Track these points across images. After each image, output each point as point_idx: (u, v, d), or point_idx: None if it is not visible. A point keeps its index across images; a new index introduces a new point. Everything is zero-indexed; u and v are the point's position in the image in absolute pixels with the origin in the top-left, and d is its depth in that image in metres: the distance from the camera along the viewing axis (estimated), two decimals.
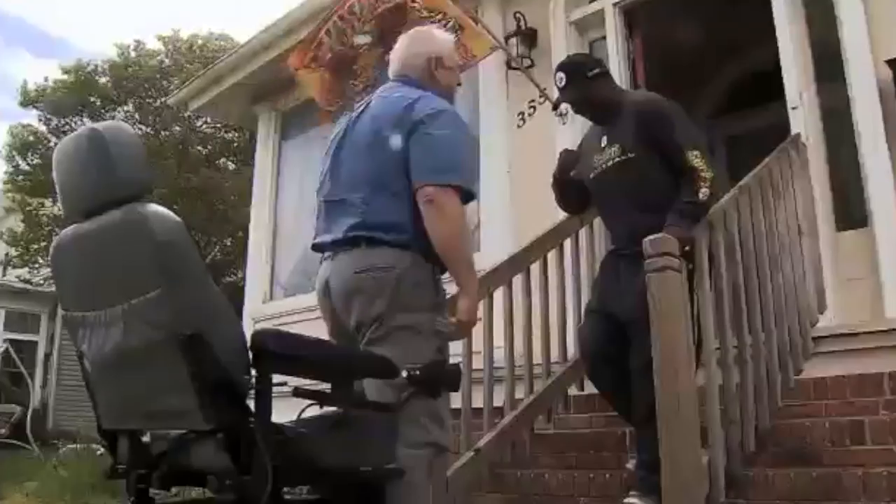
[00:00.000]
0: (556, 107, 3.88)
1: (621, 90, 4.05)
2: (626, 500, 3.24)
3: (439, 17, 5.06)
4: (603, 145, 3.64)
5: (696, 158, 3.37)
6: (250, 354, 1.86)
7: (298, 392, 1.90)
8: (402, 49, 3.00)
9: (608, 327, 3.52)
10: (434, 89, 2.85)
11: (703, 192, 3.33)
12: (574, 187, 3.86)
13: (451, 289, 2.77)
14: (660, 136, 3.47)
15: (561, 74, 3.72)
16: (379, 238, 2.62)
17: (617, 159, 3.56)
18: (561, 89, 3.73)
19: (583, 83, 3.67)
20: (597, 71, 3.72)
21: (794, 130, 4.48)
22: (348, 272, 2.64)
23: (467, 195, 2.70)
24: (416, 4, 5.12)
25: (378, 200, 2.66)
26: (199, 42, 17.23)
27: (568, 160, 3.86)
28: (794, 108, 4.58)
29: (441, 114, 2.71)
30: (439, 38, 3.07)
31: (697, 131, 3.59)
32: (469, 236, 2.87)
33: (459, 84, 3.13)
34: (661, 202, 3.38)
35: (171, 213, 1.91)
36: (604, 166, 3.63)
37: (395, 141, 2.66)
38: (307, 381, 1.99)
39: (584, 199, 3.93)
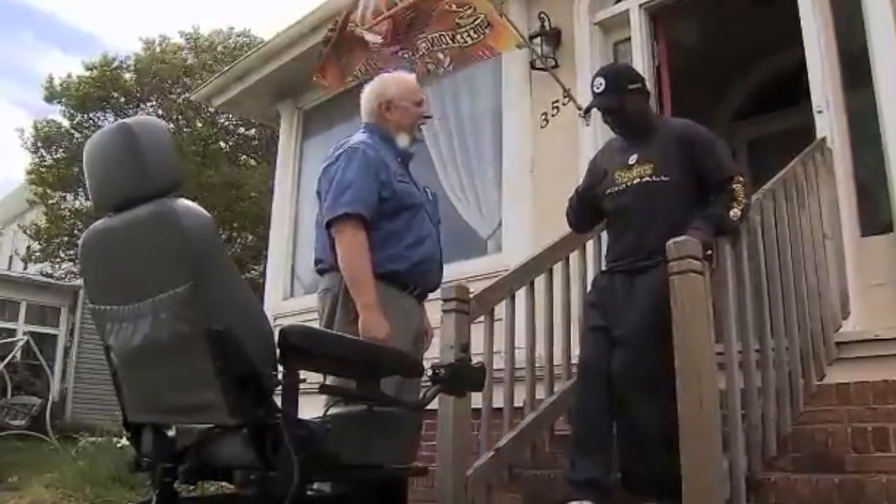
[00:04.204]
0: (586, 112, 3.86)
1: (656, 114, 4.06)
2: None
3: (469, 11, 5.06)
4: (631, 163, 3.61)
5: (738, 185, 3.41)
6: (277, 350, 1.87)
7: (325, 388, 1.91)
8: (362, 98, 3.49)
9: (609, 345, 3.49)
10: (386, 127, 3.38)
11: (734, 213, 3.36)
12: (592, 204, 3.83)
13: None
14: (706, 162, 3.51)
15: (601, 80, 3.68)
16: (320, 268, 3.31)
17: (647, 179, 3.54)
18: (597, 94, 3.68)
19: (622, 92, 3.64)
20: (638, 85, 3.71)
21: (819, 134, 4.45)
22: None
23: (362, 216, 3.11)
24: None
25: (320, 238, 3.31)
26: (221, 39, 17.32)
27: (597, 176, 3.77)
28: (819, 112, 4.53)
29: (339, 158, 3.21)
30: (390, 83, 3.47)
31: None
32: (362, 256, 3.06)
33: (427, 117, 3.57)
34: (683, 228, 3.38)
35: (200, 208, 1.92)
36: (629, 184, 3.60)
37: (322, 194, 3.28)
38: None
39: (597, 218, 3.93)
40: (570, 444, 3.61)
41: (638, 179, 3.57)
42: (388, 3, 5.31)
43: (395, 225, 3.18)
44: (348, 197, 3.11)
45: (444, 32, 5.09)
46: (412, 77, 3.63)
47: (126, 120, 2.06)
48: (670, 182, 3.51)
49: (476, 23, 5.01)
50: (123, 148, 1.99)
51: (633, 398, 3.29)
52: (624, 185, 3.62)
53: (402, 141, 3.39)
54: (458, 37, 5.07)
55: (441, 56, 5.15)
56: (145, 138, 1.98)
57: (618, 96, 3.64)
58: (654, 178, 3.53)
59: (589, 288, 4.06)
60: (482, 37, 5.03)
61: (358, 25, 5.35)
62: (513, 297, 4.08)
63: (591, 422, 3.48)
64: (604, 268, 3.85)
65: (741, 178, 3.47)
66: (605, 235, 4.46)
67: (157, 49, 16.89)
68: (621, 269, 3.60)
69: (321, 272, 3.31)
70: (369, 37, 5.30)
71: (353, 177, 3.14)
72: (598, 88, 3.68)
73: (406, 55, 5.19)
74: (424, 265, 3.25)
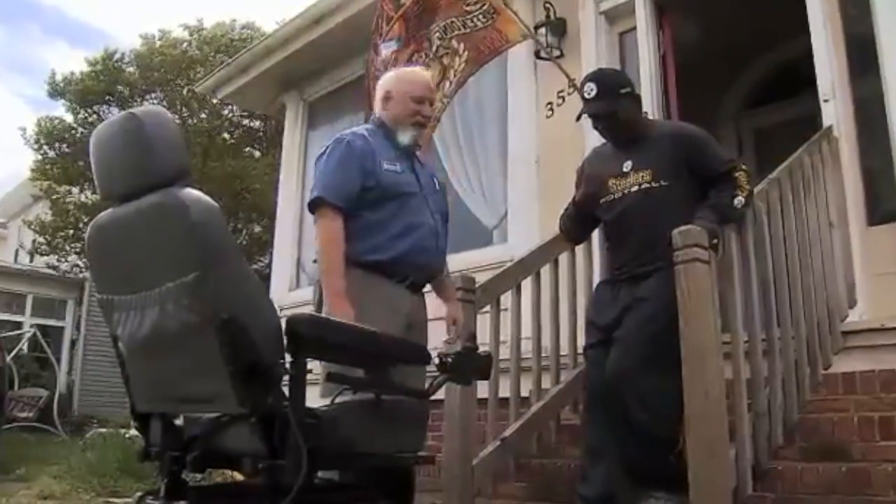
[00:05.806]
0: (577, 119, 3.77)
1: (647, 118, 4.01)
2: (653, 493, 3.22)
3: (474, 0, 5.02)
4: (626, 170, 3.54)
5: (741, 173, 3.40)
6: (284, 339, 1.87)
7: (332, 377, 1.91)
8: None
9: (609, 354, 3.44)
10: (387, 119, 3.35)
11: (739, 200, 3.34)
12: (588, 214, 3.77)
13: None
14: (703, 157, 3.47)
15: (592, 85, 3.59)
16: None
17: (645, 185, 3.47)
18: (588, 100, 3.59)
19: (614, 98, 3.55)
20: (629, 90, 3.62)
21: (825, 123, 4.43)
22: None
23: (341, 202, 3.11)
24: None
25: None
26: (224, 31, 17.28)
27: (591, 184, 3.68)
28: (825, 101, 4.51)
29: (327, 148, 3.26)
30: (393, 76, 3.50)
31: None
32: (333, 244, 3.05)
33: (426, 116, 3.39)
34: None
35: (207, 198, 1.91)
36: (626, 191, 3.53)
37: None
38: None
39: (593, 226, 3.90)
40: (582, 454, 3.59)
41: (636, 186, 3.50)
42: (395, 6, 5.23)
43: (379, 214, 3.13)
44: (325, 185, 3.13)
45: (454, 18, 5.03)
46: (420, 73, 3.56)
47: (133, 109, 2.07)
48: (670, 186, 3.44)
49: (484, 8, 4.97)
50: (130, 137, 1.99)
51: (630, 396, 3.24)
52: (621, 193, 3.55)
53: (403, 135, 3.30)
54: (469, 21, 5.00)
55: (455, 44, 5.08)
56: (152, 127, 1.98)
57: (610, 102, 3.55)
58: (653, 183, 3.46)
59: (591, 292, 4.01)
60: (491, 21, 4.98)
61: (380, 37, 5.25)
62: (518, 288, 4.09)
63: (601, 431, 3.45)
64: (606, 277, 3.78)
65: (743, 166, 3.45)
66: None
67: (157, 44, 16.82)
68: (624, 276, 3.53)
69: (315, 261, 3.30)
70: (384, 49, 5.21)
71: (333, 167, 3.16)
72: (589, 94, 3.59)
73: (422, 56, 5.11)
74: (414, 255, 3.16)
